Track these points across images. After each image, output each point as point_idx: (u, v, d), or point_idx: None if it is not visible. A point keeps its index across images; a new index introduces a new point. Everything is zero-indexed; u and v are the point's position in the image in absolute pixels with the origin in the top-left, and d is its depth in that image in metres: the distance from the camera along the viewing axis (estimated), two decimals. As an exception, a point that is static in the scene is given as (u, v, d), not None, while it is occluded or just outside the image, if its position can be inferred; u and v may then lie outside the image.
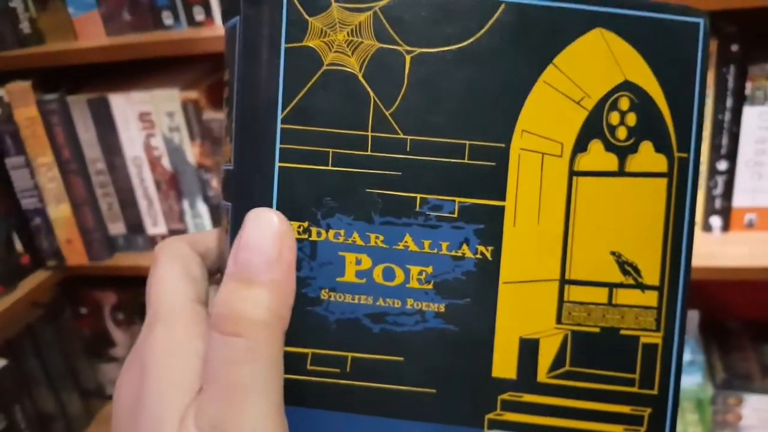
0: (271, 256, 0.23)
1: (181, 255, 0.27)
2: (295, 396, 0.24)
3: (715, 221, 0.84)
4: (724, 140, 0.81)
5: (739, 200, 0.83)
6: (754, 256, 0.80)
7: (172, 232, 0.98)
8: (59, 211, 0.98)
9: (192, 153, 0.93)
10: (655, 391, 0.27)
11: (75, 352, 1.15)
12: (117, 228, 1.00)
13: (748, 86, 0.78)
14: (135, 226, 1.00)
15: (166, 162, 0.94)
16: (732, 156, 0.81)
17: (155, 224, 0.99)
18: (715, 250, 0.82)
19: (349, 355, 0.27)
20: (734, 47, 0.76)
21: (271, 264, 0.23)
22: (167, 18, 0.92)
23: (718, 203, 0.83)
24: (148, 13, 0.93)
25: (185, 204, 0.96)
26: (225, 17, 0.27)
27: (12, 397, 1.00)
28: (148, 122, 0.92)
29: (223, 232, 0.28)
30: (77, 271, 1.02)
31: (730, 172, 0.82)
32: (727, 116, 0.79)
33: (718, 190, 0.83)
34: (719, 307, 1.06)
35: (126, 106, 0.92)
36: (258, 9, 0.25)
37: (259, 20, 0.25)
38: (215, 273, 0.29)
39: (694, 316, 1.02)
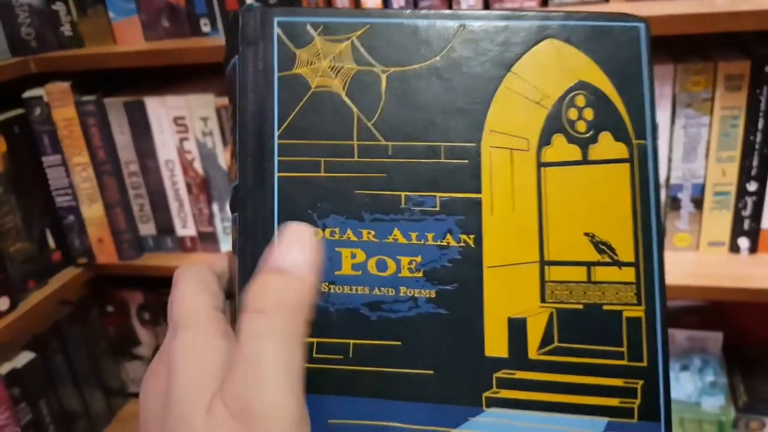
0: (305, 254, 0.26)
1: (199, 273, 0.29)
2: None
3: (743, 243, 0.84)
4: (755, 161, 0.80)
5: (768, 222, 0.83)
6: (781, 278, 0.80)
7: (201, 235, 1.00)
8: (92, 211, 1.00)
9: (224, 158, 0.95)
10: (644, 363, 0.29)
11: (100, 350, 1.16)
12: (147, 229, 1.02)
13: (781, 108, 0.77)
14: (165, 227, 1.01)
15: (198, 166, 0.96)
16: (762, 178, 0.81)
17: (185, 226, 1.00)
18: (742, 271, 0.82)
19: (351, 341, 0.29)
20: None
21: (304, 262, 0.26)
22: (205, 26, 0.94)
23: (746, 224, 0.83)
24: (186, 20, 0.95)
25: (215, 207, 0.98)
26: (225, 62, 0.31)
27: (38, 391, 1.02)
28: (183, 126, 0.94)
29: (232, 253, 0.30)
30: (106, 270, 1.04)
31: (760, 194, 0.82)
32: (759, 137, 0.79)
33: (747, 212, 0.83)
34: (744, 330, 1.05)
35: (161, 110, 0.94)
36: (254, 47, 0.29)
37: (255, 55, 0.29)
38: (228, 295, 0.30)
39: (717, 338, 1.01)
